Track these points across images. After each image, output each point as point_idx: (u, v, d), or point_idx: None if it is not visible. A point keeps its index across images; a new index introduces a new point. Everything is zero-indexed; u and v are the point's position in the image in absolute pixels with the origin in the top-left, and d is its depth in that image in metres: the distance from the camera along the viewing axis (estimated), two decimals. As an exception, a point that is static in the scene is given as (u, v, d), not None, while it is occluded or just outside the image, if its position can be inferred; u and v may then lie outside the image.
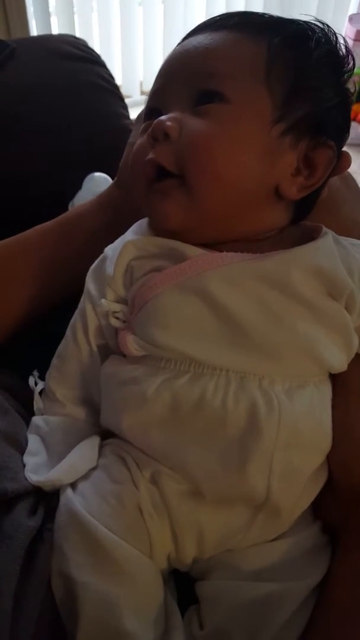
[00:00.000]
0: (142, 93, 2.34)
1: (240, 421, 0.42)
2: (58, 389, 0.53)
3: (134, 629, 0.39)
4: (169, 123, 0.43)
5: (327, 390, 0.47)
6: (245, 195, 0.44)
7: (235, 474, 0.42)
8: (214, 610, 0.44)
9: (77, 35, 1.49)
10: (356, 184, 0.56)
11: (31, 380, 0.56)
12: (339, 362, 0.46)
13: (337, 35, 0.46)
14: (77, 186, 0.81)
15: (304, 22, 0.46)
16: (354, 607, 0.42)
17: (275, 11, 2.26)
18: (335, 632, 0.41)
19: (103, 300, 0.49)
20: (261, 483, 0.42)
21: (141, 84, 2.35)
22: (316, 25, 0.45)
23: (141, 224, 0.50)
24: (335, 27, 0.46)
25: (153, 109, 0.47)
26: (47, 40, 1.00)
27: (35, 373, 0.56)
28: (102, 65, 0.97)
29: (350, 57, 0.46)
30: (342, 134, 0.47)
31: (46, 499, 0.46)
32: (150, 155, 0.44)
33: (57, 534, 0.43)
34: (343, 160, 0.48)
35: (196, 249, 0.45)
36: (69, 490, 0.45)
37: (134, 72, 2.30)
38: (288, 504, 0.44)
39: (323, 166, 0.45)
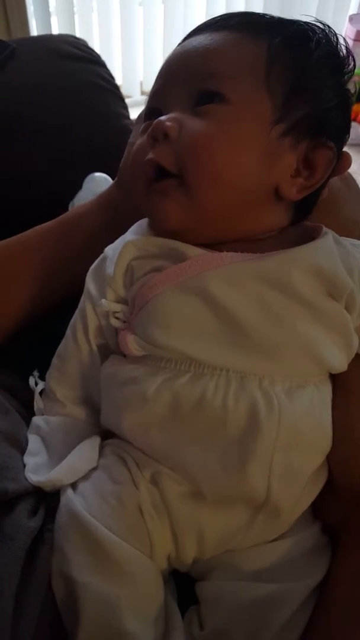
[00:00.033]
0: (143, 93, 2.34)
1: (241, 421, 0.42)
2: (58, 389, 0.53)
3: (135, 629, 0.40)
4: (168, 123, 0.43)
5: (327, 390, 0.47)
6: (244, 196, 0.44)
7: (235, 474, 0.42)
8: (214, 611, 0.44)
9: (78, 35, 1.49)
10: (356, 185, 0.56)
11: (31, 380, 0.56)
12: (339, 362, 0.46)
13: (338, 36, 0.46)
14: (78, 186, 0.81)
15: (305, 22, 0.46)
16: (354, 608, 0.42)
17: (275, 11, 2.26)
18: (335, 632, 0.41)
19: (103, 300, 0.49)
20: (261, 483, 0.42)
21: (141, 84, 2.35)
22: (317, 26, 0.45)
23: (141, 224, 0.50)
24: (335, 28, 0.46)
25: (153, 109, 0.47)
26: (47, 40, 1.00)
27: (36, 373, 0.56)
28: (102, 65, 0.97)
29: (350, 58, 0.46)
30: (342, 134, 0.47)
31: (47, 500, 0.46)
32: (150, 155, 0.44)
33: (58, 534, 0.43)
34: (343, 161, 0.48)
35: (196, 249, 0.45)
36: (69, 491, 0.45)
37: (134, 72, 2.30)
38: (288, 504, 0.44)
39: (323, 167, 0.45)
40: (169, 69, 0.47)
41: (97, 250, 0.51)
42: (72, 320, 0.53)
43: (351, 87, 0.47)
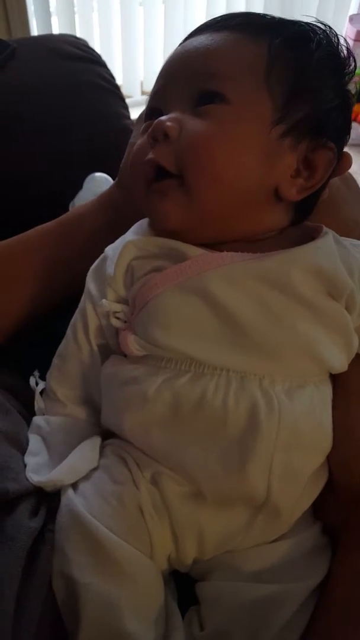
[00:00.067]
0: (143, 93, 2.34)
1: (241, 421, 0.42)
2: (59, 389, 0.54)
3: (135, 629, 0.40)
4: (168, 123, 0.43)
5: (327, 390, 0.47)
6: (244, 196, 0.44)
7: (235, 474, 0.42)
8: (215, 611, 0.44)
9: (78, 35, 1.48)
10: (357, 185, 0.56)
11: (32, 380, 0.56)
12: (339, 362, 0.46)
13: (339, 36, 0.46)
14: (78, 186, 0.81)
15: (306, 23, 0.46)
16: (354, 608, 0.42)
17: (276, 11, 2.26)
18: (335, 632, 0.41)
19: (104, 300, 0.49)
20: (261, 483, 0.42)
21: (142, 84, 2.35)
22: (318, 27, 0.45)
23: (141, 224, 0.50)
24: (335, 28, 0.46)
25: (154, 109, 0.47)
26: (47, 40, 1.00)
27: (36, 373, 0.56)
28: (102, 65, 0.97)
29: (351, 58, 0.46)
30: (342, 135, 0.47)
31: (47, 500, 0.46)
32: (150, 156, 0.44)
33: (59, 535, 0.43)
34: (344, 161, 0.48)
35: (196, 249, 0.45)
36: (70, 491, 0.45)
37: (135, 72, 2.30)
38: (288, 504, 0.44)
39: (323, 168, 0.45)
40: (170, 69, 0.47)
41: (97, 250, 0.51)
42: (72, 320, 0.53)
43: (352, 87, 0.47)
